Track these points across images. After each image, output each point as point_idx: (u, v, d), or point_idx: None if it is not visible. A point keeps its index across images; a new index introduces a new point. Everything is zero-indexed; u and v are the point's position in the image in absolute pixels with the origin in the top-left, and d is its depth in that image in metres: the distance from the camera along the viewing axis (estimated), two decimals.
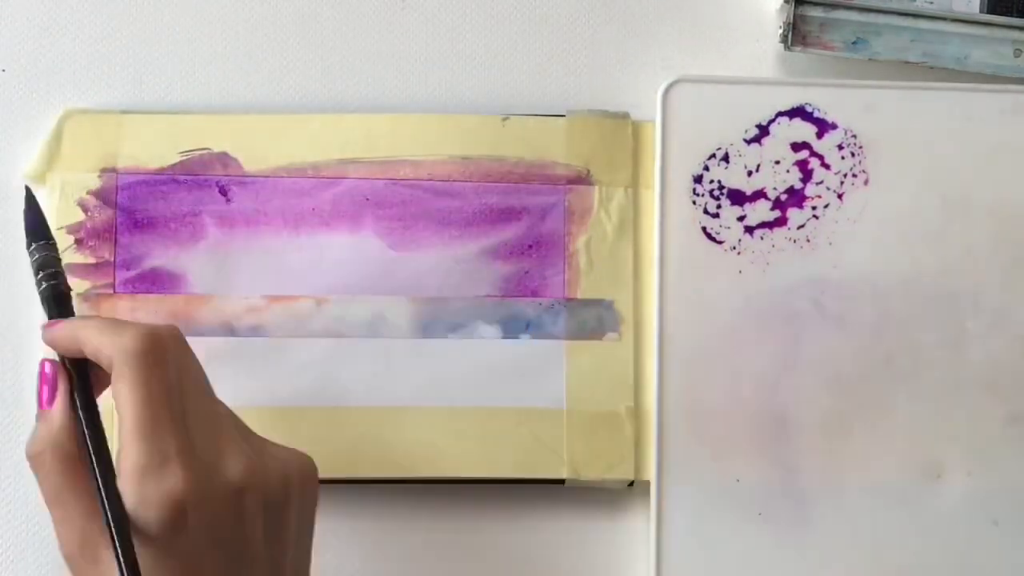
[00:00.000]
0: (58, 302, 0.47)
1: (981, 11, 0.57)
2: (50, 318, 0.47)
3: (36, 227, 0.48)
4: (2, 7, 0.54)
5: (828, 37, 0.56)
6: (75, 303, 0.53)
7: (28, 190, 0.49)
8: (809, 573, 0.55)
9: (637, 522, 0.56)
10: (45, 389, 0.45)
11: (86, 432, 0.44)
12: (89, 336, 0.44)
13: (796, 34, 0.56)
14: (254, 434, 0.47)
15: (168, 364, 0.44)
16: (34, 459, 0.44)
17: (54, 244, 0.48)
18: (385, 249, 0.55)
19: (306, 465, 0.47)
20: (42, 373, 0.45)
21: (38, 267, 0.47)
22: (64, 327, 0.46)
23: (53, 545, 0.44)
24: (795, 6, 0.56)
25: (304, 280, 0.55)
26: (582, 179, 0.56)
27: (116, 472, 0.43)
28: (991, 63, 0.57)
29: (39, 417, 0.45)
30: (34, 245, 0.48)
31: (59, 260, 0.48)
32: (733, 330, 0.55)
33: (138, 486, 0.42)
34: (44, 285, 0.47)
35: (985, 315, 0.56)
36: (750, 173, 0.56)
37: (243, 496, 0.44)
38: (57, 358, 0.46)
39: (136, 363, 0.43)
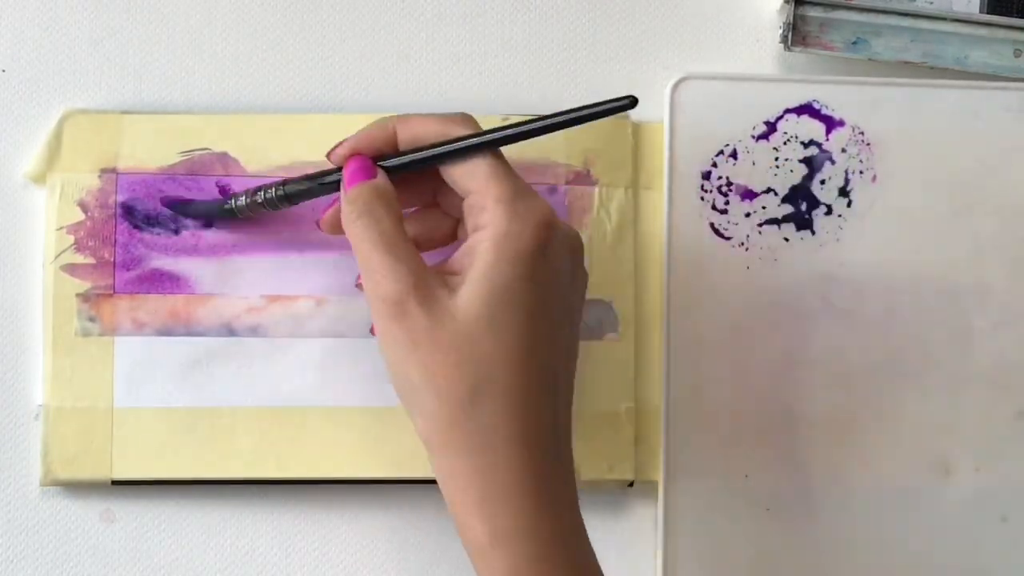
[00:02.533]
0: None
1: (981, 11, 0.57)
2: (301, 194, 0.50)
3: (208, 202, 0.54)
4: (2, 7, 0.55)
5: (828, 37, 0.57)
6: (74, 303, 0.53)
7: (173, 206, 0.54)
8: (817, 569, 0.55)
9: (637, 522, 0.55)
10: (360, 174, 0.47)
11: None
12: (412, 123, 0.48)
13: (796, 34, 0.56)
14: None
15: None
16: (364, 210, 0.46)
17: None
18: None
19: (573, 230, 0.49)
20: (352, 164, 0.48)
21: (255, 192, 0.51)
22: (370, 127, 0.49)
23: None
24: (795, 6, 0.56)
25: (304, 280, 0.54)
26: (582, 179, 0.56)
27: (478, 210, 0.46)
28: (991, 63, 0.57)
29: (353, 190, 0.47)
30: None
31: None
32: (741, 326, 0.55)
33: (511, 208, 0.45)
34: (274, 191, 0.51)
35: (992, 311, 0.56)
36: (758, 170, 0.56)
37: (578, 252, 0.48)
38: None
39: (471, 128, 0.48)
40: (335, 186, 0.49)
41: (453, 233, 0.51)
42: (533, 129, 0.47)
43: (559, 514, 0.45)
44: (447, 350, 0.44)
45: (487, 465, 0.44)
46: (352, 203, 0.47)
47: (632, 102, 0.46)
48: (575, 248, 0.48)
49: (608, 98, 0.46)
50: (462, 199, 0.47)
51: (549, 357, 0.45)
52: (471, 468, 0.44)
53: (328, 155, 0.49)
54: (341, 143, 0.49)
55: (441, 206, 0.51)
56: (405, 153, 0.48)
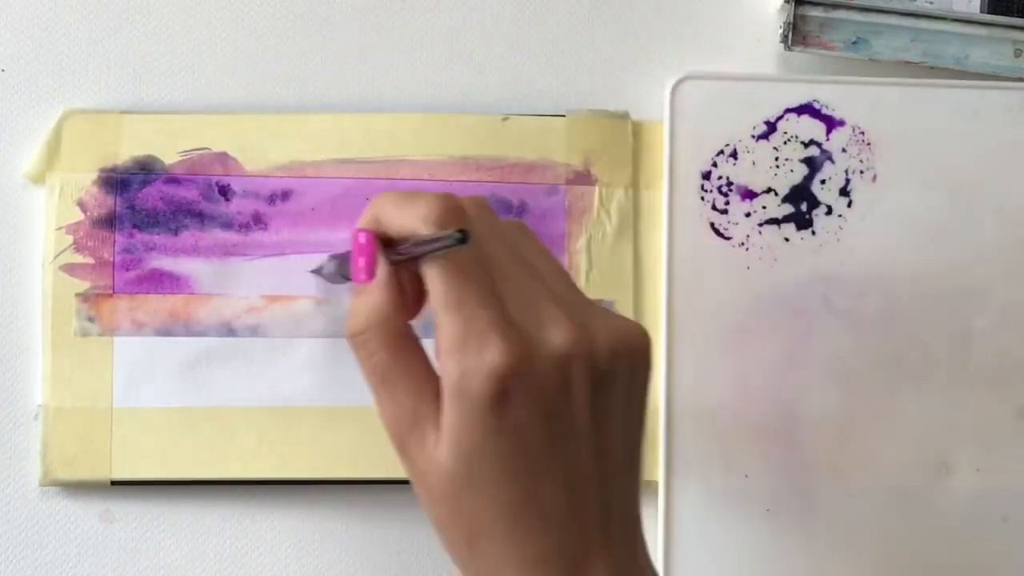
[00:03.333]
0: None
1: (981, 11, 0.57)
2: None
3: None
4: (2, 7, 0.55)
5: (828, 37, 0.57)
6: (74, 303, 0.53)
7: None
8: (817, 569, 0.54)
9: None
10: (362, 260, 0.43)
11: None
12: (385, 212, 0.43)
13: (796, 34, 0.56)
14: (582, 297, 0.44)
15: (463, 220, 0.42)
16: (356, 338, 0.42)
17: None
18: None
19: (637, 337, 0.42)
20: (356, 244, 0.43)
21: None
22: (365, 213, 0.44)
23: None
24: (795, 6, 0.56)
25: (304, 280, 0.54)
26: (582, 179, 0.56)
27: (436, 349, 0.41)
28: (991, 63, 0.57)
29: (357, 292, 0.43)
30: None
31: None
32: (741, 326, 0.55)
33: (458, 357, 0.40)
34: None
35: (993, 311, 0.56)
36: (758, 170, 0.56)
37: (568, 366, 0.41)
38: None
39: (431, 228, 0.41)
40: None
41: None
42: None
43: None
44: (440, 500, 0.41)
45: None
46: (349, 318, 0.43)
47: (463, 238, 0.40)
48: (583, 366, 0.41)
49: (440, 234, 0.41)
50: None
51: (552, 492, 0.41)
52: None
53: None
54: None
55: None
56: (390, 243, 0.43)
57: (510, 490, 0.40)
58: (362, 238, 0.43)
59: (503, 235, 0.43)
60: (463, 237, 0.39)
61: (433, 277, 0.41)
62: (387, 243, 0.43)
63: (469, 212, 0.42)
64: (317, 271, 0.54)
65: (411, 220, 0.42)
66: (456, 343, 0.40)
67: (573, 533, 0.41)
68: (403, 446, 0.42)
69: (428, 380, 0.42)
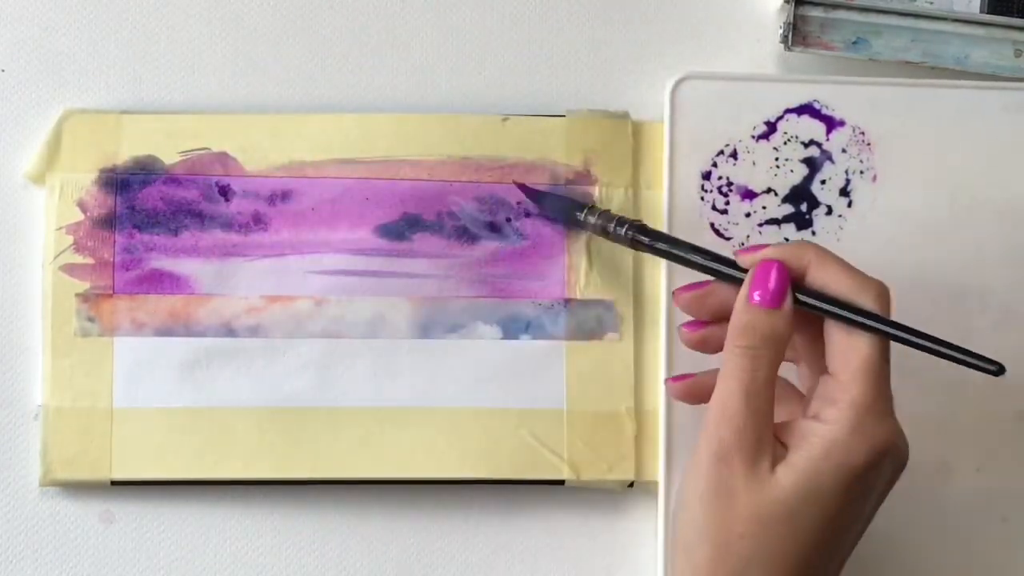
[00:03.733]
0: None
1: (981, 11, 0.57)
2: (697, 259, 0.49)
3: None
4: (2, 7, 0.55)
5: (828, 37, 0.57)
6: (74, 303, 0.53)
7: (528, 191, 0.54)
8: None
9: (637, 523, 0.55)
10: (776, 285, 0.46)
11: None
12: (826, 264, 0.46)
13: (796, 34, 0.56)
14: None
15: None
16: (748, 349, 0.46)
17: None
18: (385, 249, 0.55)
19: (905, 455, 0.47)
20: (770, 270, 0.46)
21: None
22: (786, 249, 0.47)
23: None
24: (795, 6, 0.56)
25: (304, 280, 0.54)
26: (582, 179, 0.56)
27: (826, 399, 0.46)
28: (991, 63, 0.57)
29: (753, 313, 0.46)
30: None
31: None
32: None
33: (858, 418, 0.44)
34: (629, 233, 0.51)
35: (993, 311, 0.56)
36: (758, 170, 0.56)
37: (898, 472, 0.47)
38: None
39: (881, 307, 0.46)
40: (718, 275, 0.49)
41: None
42: (922, 346, 0.47)
43: None
44: (743, 519, 0.45)
45: None
46: (745, 331, 0.46)
47: (999, 370, 0.46)
48: (897, 470, 0.47)
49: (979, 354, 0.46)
50: (822, 366, 0.47)
51: (820, 564, 0.46)
52: None
53: (736, 253, 0.49)
54: (756, 248, 0.48)
55: (799, 350, 0.50)
56: (810, 293, 0.47)
57: (811, 544, 0.45)
58: (778, 268, 0.46)
59: None
60: (1000, 370, 0.46)
61: (869, 344, 0.46)
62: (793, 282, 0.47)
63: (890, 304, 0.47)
64: (580, 221, 0.53)
65: (865, 295, 0.46)
66: (863, 406, 0.45)
67: None
68: (726, 457, 0.45)
69: (772, 417, 0.46)
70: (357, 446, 0.54)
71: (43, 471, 0.53)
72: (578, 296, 0.55)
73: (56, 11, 0.55)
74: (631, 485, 0.55)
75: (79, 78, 0.55)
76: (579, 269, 0.55)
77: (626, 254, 0.55)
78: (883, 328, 0.46)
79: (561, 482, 0.54)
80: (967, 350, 0.46)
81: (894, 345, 0.47)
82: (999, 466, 0.55)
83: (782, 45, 0.56)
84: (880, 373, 0.46)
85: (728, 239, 0.56)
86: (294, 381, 0.54)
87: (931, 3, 0.57)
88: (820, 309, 0.46)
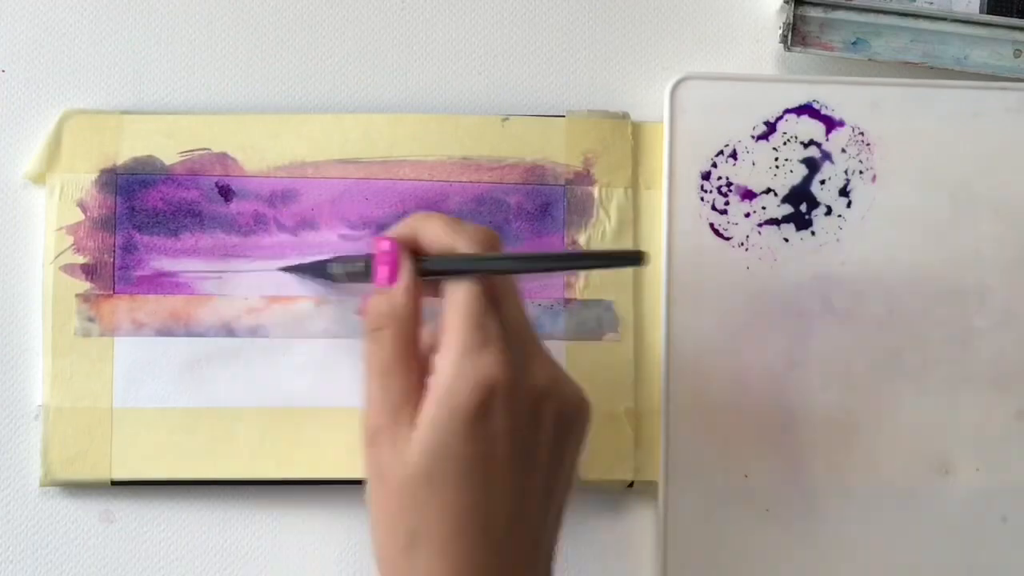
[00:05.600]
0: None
1: (981, 11, 0.57)
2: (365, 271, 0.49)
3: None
4: (2, 7, 0.55)
5: (828, 37, 0.57)
6: (74, 303, 0.53)
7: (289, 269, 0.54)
8: (817, 569, 0.55)
9: (637, 522, 0.55)
10: (384, 269, 0.47)
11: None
12: (431, 228, 0.47)
13: (796, 34, 0.56)
14: (552, 357, 0.47)
15: None
16: (372, 331, 0.46)
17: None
18: None
19: (588, 401, 0.47)
20: (380, 252, 0.47)
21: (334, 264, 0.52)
22: (400, 226, 0.48)
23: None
24: (795, 6, 0.56)
25: (304, 281, 0.54)
26: (582, 179, 0.56)
27: (439, 350, 0.45)
28: (991, 63, 0.57)
29: (376, 295, 0.47)
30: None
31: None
32: (741, 326, 0.55)
33: (457, 360, 0.44)
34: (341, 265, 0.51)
35: (993, 311, 0.56)
36: (758, 170, 0.56)
37: (543, 402, 0.45)
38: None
39: (482, 250, 0.46)
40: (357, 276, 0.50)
41: None
42: (534, 267, 0.48)
43: None
44: (395, 494, 0.44)
45: None
46: (367, 315, 0.47)
47: (641, 258, 0.45)
48: (551, 408, 0.46)
49: (620, 249, 0.46)
50: None
51: (499, 510, 0.44)
52: None
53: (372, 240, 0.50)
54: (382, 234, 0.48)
55: None
56: (420, 255, 0.47)
57: (463, 495, 0.44)
58: (385, 245, 0.47)
59: (513, 277, 0.47)
60: (641, 259, 0.45)
61: (461, 288, 0.45)
62: (415, 253, 0.47)
63: (499, 248, 0.47)
64: (317, 271, 0.53)
65: (459, 242, 0.46)
66: (460, 347, 0.44)
67: (506, 555, 0.44)
68: (374, 436, 0.45)
69: (420, 386, 0.45)
70: (357, 446, 0.53)
71: (43, 471, 0.53)
72: (578, 296, 0.55)
73: (56, 11, 0.55)
74: (631, 485, 0.55)
75: (79, 78, 0.55)
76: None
77: None
78: (466, 267, 0.45)
79: None
80: (600, 252, 0.47)
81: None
82: (999, 466, 0.55)
83: (782, 45, 0.56)
84: (475, 312, 0.44)
85: (728, 239, 0.56)
86: (294, 381, 0.54)
87: (931, 3, 0.57)
88: (430, 271, 0.46)
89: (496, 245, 0.47)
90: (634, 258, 0.46)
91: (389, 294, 0.46)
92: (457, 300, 0.45)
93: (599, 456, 0.54)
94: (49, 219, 0.54)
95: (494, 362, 0.44)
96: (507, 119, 0.56)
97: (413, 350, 0.46)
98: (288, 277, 0.54)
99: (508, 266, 0.47)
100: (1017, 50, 0.57)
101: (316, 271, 0.53)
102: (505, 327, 0.45)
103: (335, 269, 0.52)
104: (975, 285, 0.56)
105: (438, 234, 0.46)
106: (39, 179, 0.54)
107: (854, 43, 0.57)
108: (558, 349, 0.55)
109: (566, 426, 0.46)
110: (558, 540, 0.46)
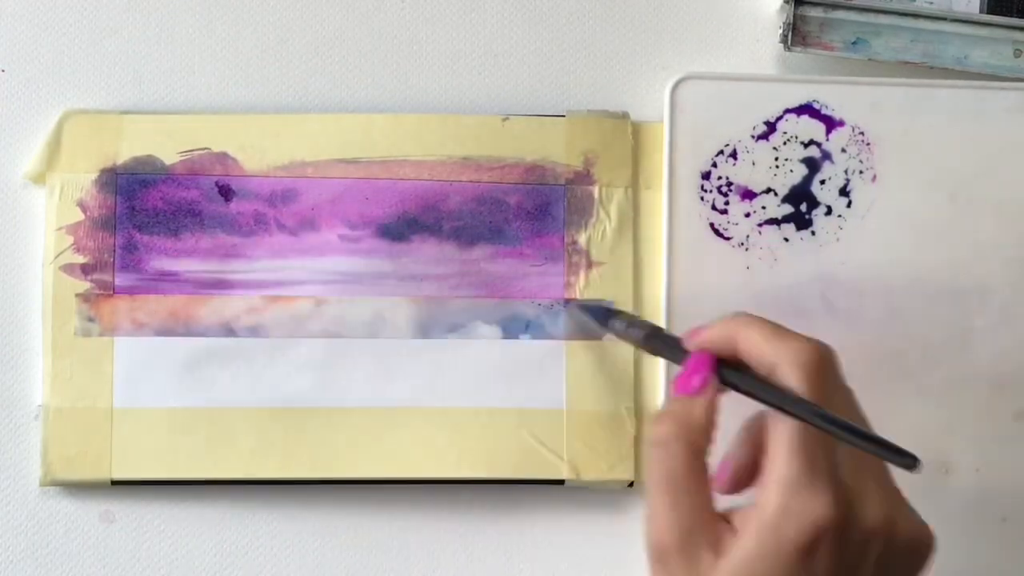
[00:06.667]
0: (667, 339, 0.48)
1: (981, 11, 0.57)
2: (670, 356, 0.47)
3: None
4: (2, 7, 0.55)
5: (828, 37, 0.57)
6: (74, 303, 0.53)
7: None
8: None
9: (637, 522, 0.55)
10: (696, 378, 0.44)
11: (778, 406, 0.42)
12: (750, 338, 0.44)
13: (796, 34, 0.56)
14: (894, 483, 0.44)
15: (832, 381, 0.43)
16: (661, 442, 0.43)
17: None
18: (385, 249, 0.55)
19: (930, 541, 0.44)
20: (695, 361, 0.44)
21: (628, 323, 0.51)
22: (719, 327, 0.45)
23: None
24: (795, 6, 0.56)
25: (303, 280, 0.54)
26: (582, 179, 0.56)
27: (761, 481, 0.42)
28: (991, 63, 0.57)
29: (673, 402, 0.44)
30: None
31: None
32: None
33: (785, 497, 0.41)
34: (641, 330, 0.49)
35: (993, 311, 0.56)
36: (758, 170, 0.56)
37: (870, 543, 0.42)
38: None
39: (803, 374, 0.42)
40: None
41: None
42: (831, 431, 0.42)
43: None
44: None
45: None
46: (656, 422, 0.44)
47: (915, 464, 0.41)
48: (878, 549, 0.42)
49: (896, 445, 0.41)
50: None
51: None
52: None
53: (685, 335, 0.46)
54: (699, 330, 0.46)
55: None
56: (736, 370, 0.44)
57: None
58: (705, 359, 0.44)
59: (848, 392, 0.44)
60: (915, 464, 0.40)
61: (784, 420, 0.42)
62: (729, 361, 0.44)
63: (834, 363, 0.43)
64: (602, 320, 0.53)
65: (775, 354, 0.43)
66: (789, 482, 0.41)
67: None
68: (664, 556, 0.43)
69: (710, 505, 0.43)
70: (357, 446, 0.54)
71: (43, 471, 0.53)
72: (578, 296, 0.55)
73: (56, 11, 0.55)
74: (631, 485, 0.55)
75: (79, 78, 0.55)
76: (579, 269, 0.55)
77: (626, 255, 0.55)
78: (791, 409, 0.42)
79: (561, 482, 0.54)
80: (882, 440, 0.41)
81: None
82: (999, 466, 0.55)
83: (782, 45, 0.56)
84: (807, 446, 0.41)
85: (728, 239, 0.56)
86: (294, 381, 0.54)
87: (931, 3, 0.57)
88: (739, 389, 0.44)
89: (823, 364, 0.43)
90: (908, 463, 0.41)
91: (690, 404, 0.44)
92: (786, 429, 0.42)
93: (599, 456, 0.54)
94: (49, 219, 0.54)
95: (825, 503, 0.41)
96: (507, 119, 0.56)
97: (704, 466, 0.43)
98: (287, 277, 0.54)
99: (813, 420, 0.41)
100: (1017, 50, 0.57)
101: (597, 315, 0.53)
102: (838, 457, 0.42)
103: (617, 327, 0.52)
104: (975, 285, 0.56)
105: (760, 346, 0.43)
106: (39, 179, 0.54)
107: (854, 43, 0.57)
108: (558, 349, 0.55)
109: (897, 567, 0.43)
110: None
